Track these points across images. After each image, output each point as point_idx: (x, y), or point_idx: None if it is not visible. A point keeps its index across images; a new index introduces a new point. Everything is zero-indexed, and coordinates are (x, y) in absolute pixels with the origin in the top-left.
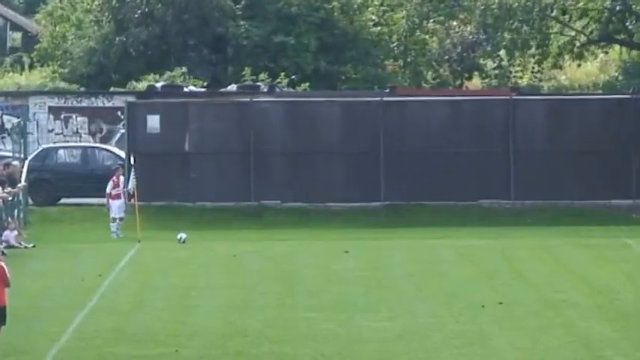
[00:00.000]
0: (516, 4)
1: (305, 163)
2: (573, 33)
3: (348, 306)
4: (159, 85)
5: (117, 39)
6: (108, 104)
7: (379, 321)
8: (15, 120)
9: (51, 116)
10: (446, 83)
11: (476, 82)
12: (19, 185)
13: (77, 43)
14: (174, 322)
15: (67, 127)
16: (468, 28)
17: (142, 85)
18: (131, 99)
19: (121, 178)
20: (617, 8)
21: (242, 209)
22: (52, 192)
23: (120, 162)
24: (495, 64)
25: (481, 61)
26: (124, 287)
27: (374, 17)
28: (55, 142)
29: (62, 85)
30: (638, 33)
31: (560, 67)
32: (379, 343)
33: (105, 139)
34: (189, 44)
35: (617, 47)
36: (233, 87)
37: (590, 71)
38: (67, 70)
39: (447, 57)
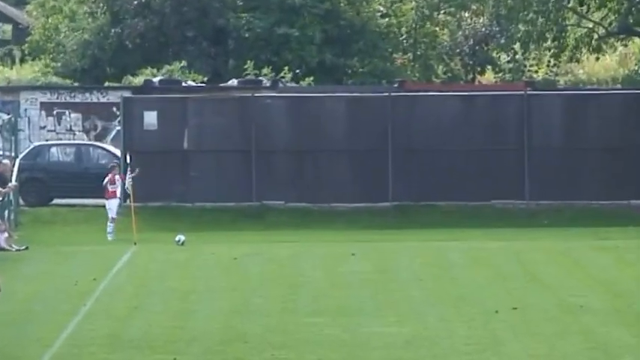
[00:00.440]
0: None
1: (309, 161)
2: (591, 25)
3: (353, 311)
4: (156, 79)
5: (112, 31)
6: (103, 100)
7: (386, 326)
8: (5, 116)
9: (43, 112)
10: (457, 77)
11: (489, 77)
12: (10, 185)
13: (70, 36)
14: (173, 328)
15: (59, 124)
16: (481, 20)
17: (138, 80)
18: (127, 94)
19: (117, 177)
20: None
21: (243, 210)
22: (44, 192)
23: (115, 160)
24: (509, 58)
25: (494, 54)
26: (120, 291)
27: (382, 8)
28: (47, 140)
29: (55, 79)
30: None
31: (578, 61)
32: (386, 350)
33: (100, 137)
34: (188, 36)
35: (637, 40)
36: (234, 81)
37: (609, 65)
38: (59, 64)
39: (458, 50)
